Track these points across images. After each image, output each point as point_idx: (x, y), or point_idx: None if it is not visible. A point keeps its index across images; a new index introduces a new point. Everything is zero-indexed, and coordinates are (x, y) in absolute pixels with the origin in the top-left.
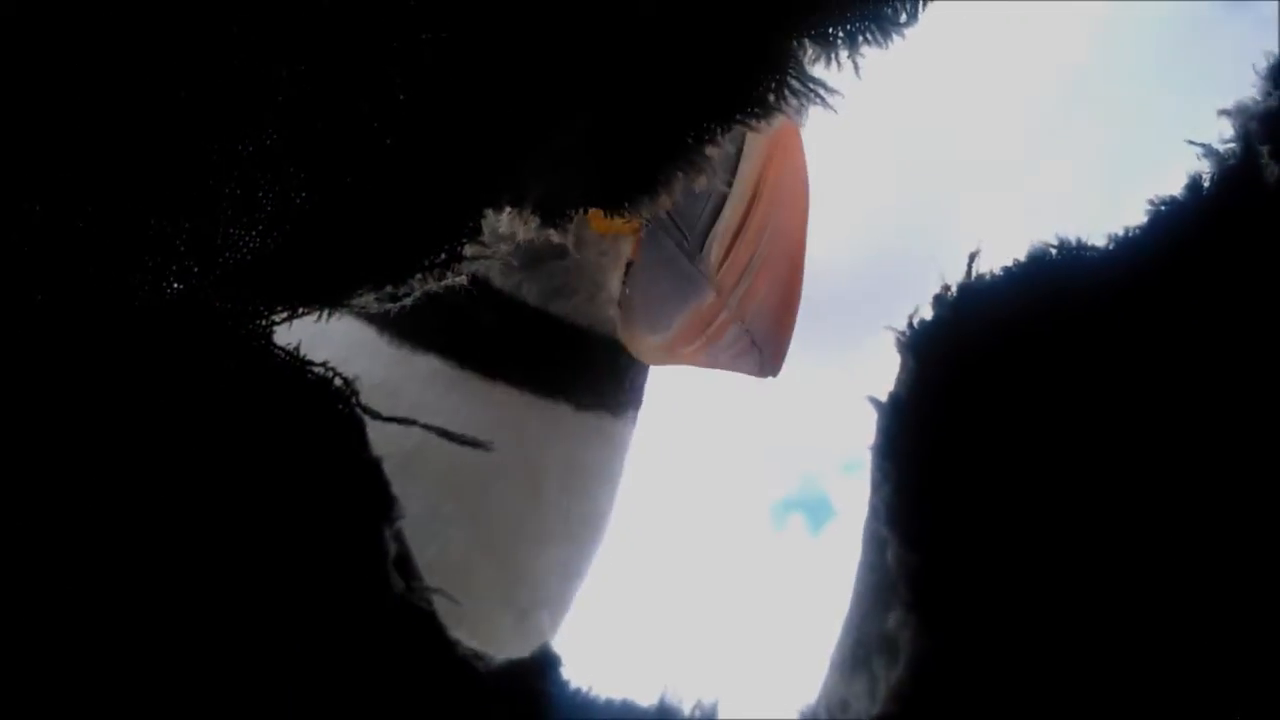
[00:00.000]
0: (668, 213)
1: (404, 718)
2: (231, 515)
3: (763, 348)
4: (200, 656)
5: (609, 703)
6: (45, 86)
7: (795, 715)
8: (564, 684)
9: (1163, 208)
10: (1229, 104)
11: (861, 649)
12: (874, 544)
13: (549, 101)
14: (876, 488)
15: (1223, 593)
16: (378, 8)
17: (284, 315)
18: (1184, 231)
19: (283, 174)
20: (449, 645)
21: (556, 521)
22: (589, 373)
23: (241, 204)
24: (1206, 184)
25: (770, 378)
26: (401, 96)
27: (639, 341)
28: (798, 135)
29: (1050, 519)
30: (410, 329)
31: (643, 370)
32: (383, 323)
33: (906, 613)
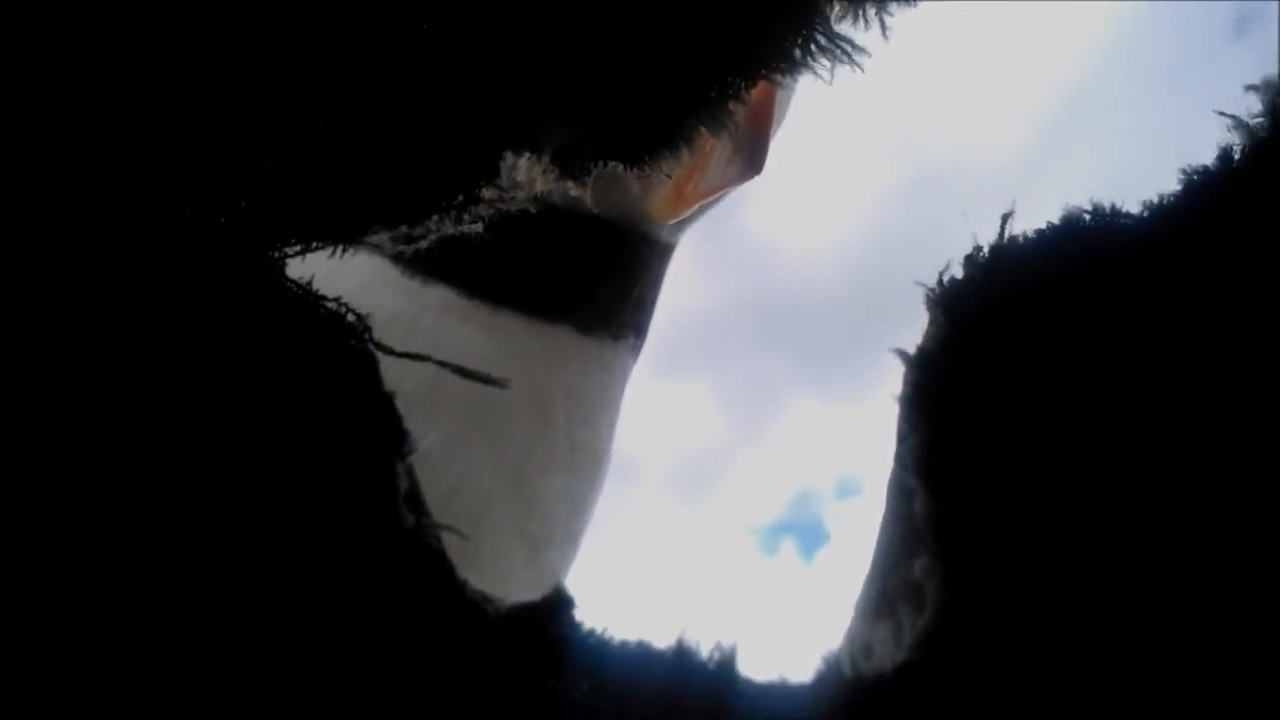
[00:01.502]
0: None
1: (413, 657)
2: (245, 447)
3: (742, 149)
4: (214, 584)
5: (624, 645)
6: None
7: (819, 661)
8: (577, 626)
9: (1195, 177)
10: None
11: (887, 596)
12: (900, 494)
13: (570, 51)
14: (904, 438)
15: (1243, 544)
16: None
17: (299, 249)
18: (1216, 199)
19: (301, 111)
20: (459, 586)
21: (563, 450)
22: (594, 292)
23: (259, 138)
24: (1237, 155)
25: (755, 175)
26: (425, 39)
27: (658, 200)
28: None
29: (1074, 472)
30: (421, 260)
31: (651, 291)
32: (396, 255)
33: (933, 560)
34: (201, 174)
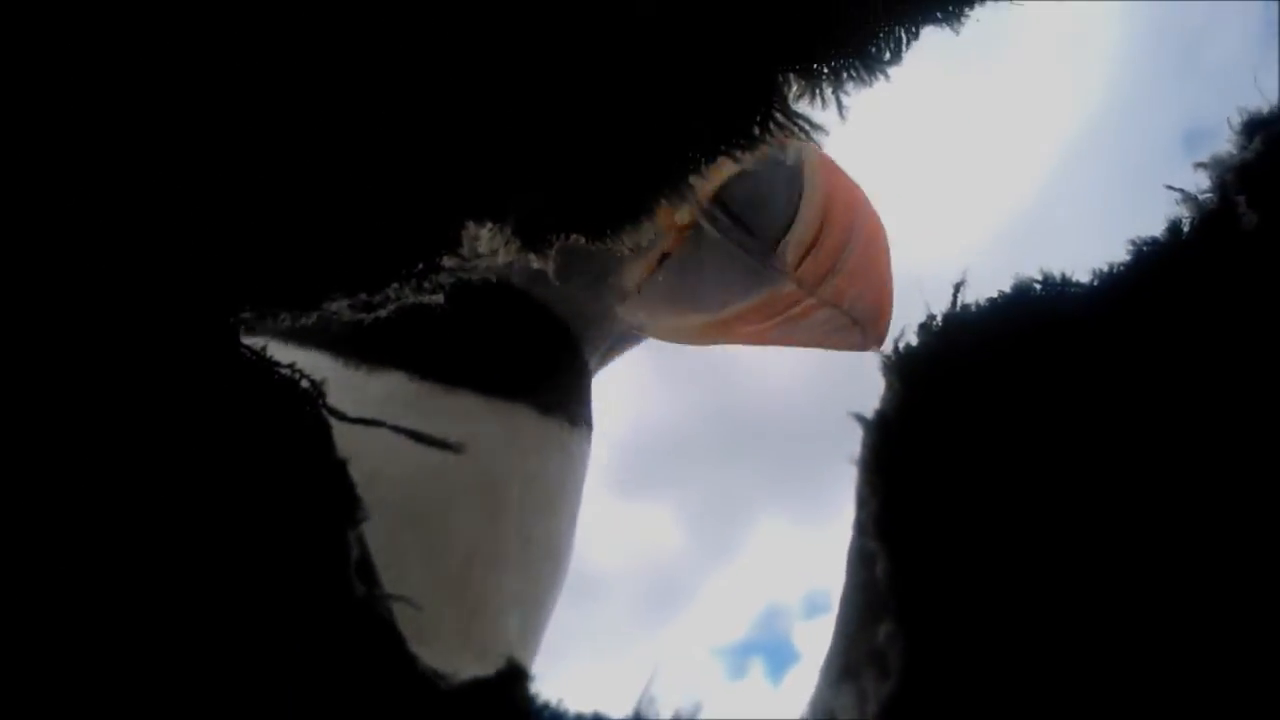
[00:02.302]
0: (730, 217)
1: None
2: (191, 512)
3: (866, 325)
4: (157, 651)
5: (579, 717)
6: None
7: None
8: (532, 699)
9: (1145, 248)
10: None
11: (850, 664)
12: (861, 560)
13: (534, 122)
14: (864, 503)
15: (1202, 603)
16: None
17: (254, 315)
18: (1165, 270)
19: (259, 172)
20: (409, 658)
21: (514, 545)
22: (554, 372)
23: (212, 198)
24: (1185, 228)
25: (875, 349)
26: (387, 105)
27: (674, 320)
28: (843, 172)
29: (1035, 533)
30: (368, 347)
31: (590, 393)
32: (338, 346)
33: (897, 625)
34: (156, 233)
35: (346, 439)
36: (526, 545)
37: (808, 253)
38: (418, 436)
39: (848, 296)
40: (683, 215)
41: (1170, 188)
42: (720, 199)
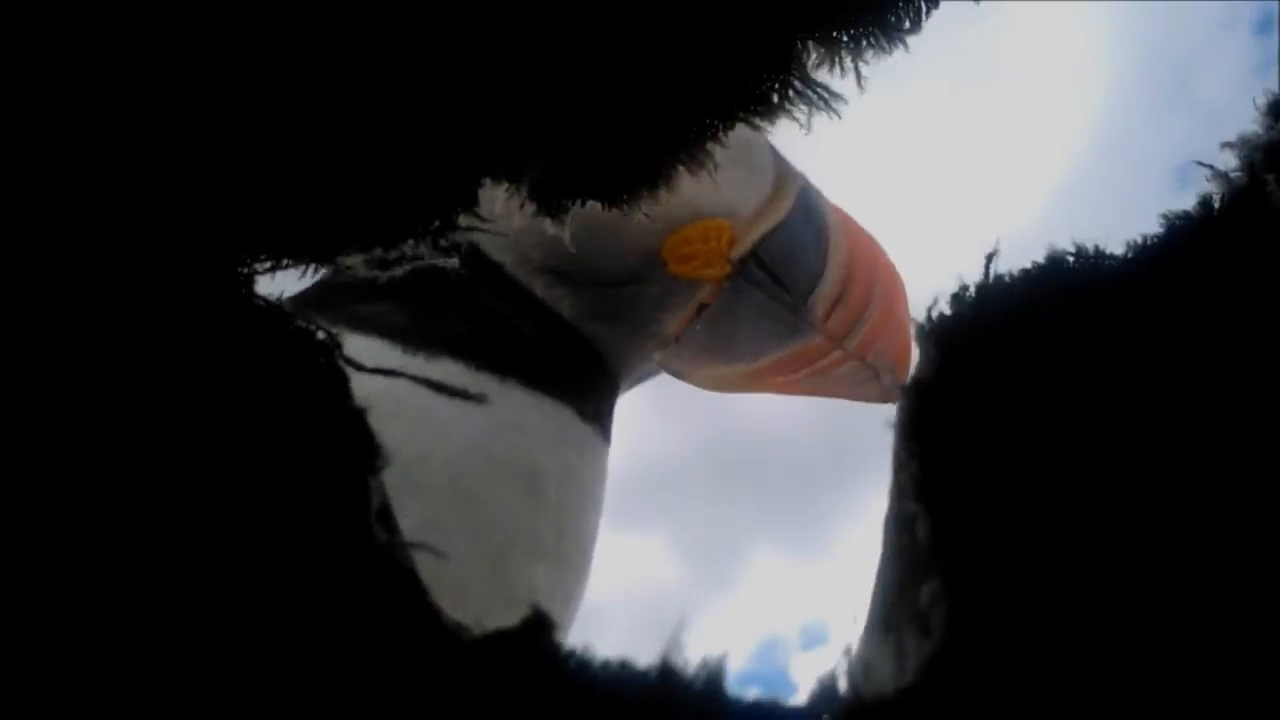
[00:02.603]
0: (765, 271)
1: (385, 677)
2: (209, 463)
3: (888, 377)
4: (181, 598)
5: (606, 665)
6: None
7: (814, 681)
8: (557, 647)
9: (1178, 221)
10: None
11: (891, 621)
12: (901, 523)
13: (551, 82)
14: (902, 466)
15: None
16: None
17: (267, 266)
18: (1199, 243)
19: (272, 122)
20: (433, 609)
21: (551, 537)
22: (594, 392)
23: (228, 148)
24: (1216, 204)
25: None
26: (402, 58)
27: (709, 370)
28: (869, 234)
29: (1074, 497)
30: (426, 338)
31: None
32: (398, 335)
33: (942, 586)
34: (166, 185)
35: (396, 422)
36: (561, 539)
37: (834, 307)
38: (438, 387)
39: (872, 350)
40: (721, 269)
41: (1200, 164)
42: (757, 254)
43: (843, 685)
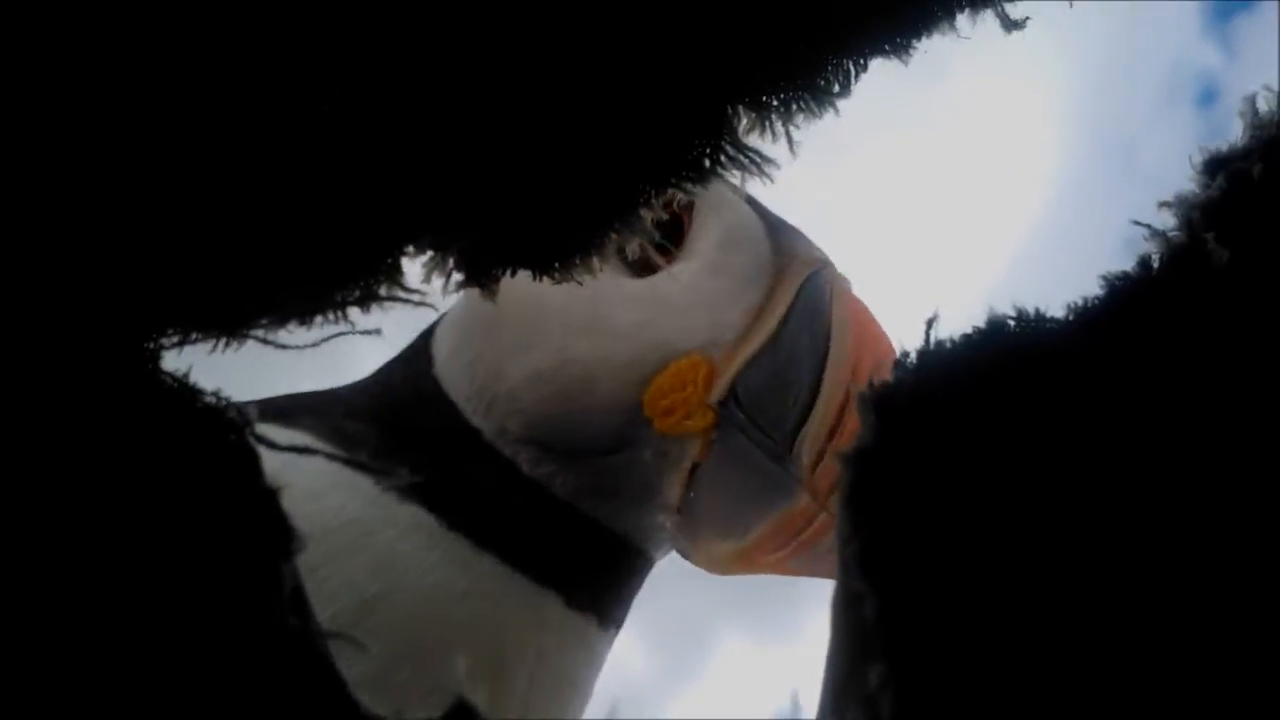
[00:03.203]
0: (746, 414)
1: None
2: (109, 546)
3: None
4: (80, 690)
5: None
6: None
7: None
8: None
9: (1117, 282)
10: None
11: (842, 703)
12: (847, 602)
13: (479, 147)
14: (846, 541)
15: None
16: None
17: (175, 339)
18: (1140, 303)
19: (178, 184)
20: (349, 700)
21: (515, 715)
22: (596, 577)
23: (127, 211)
24: (1156, 264)
25: None
26: (319, 121)
27: (706, 549)
28: (881, 333)
29: (1020, 567)
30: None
31: (637, 590)
32: (364, 466)
33: (887, 667)
34: (67, 252)
35: (358, 555)
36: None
37: (825, 449)
38: (362, 466)
39: None
40: (704, 418)
41: (1137, 223)
42: (736, 390)
43: None
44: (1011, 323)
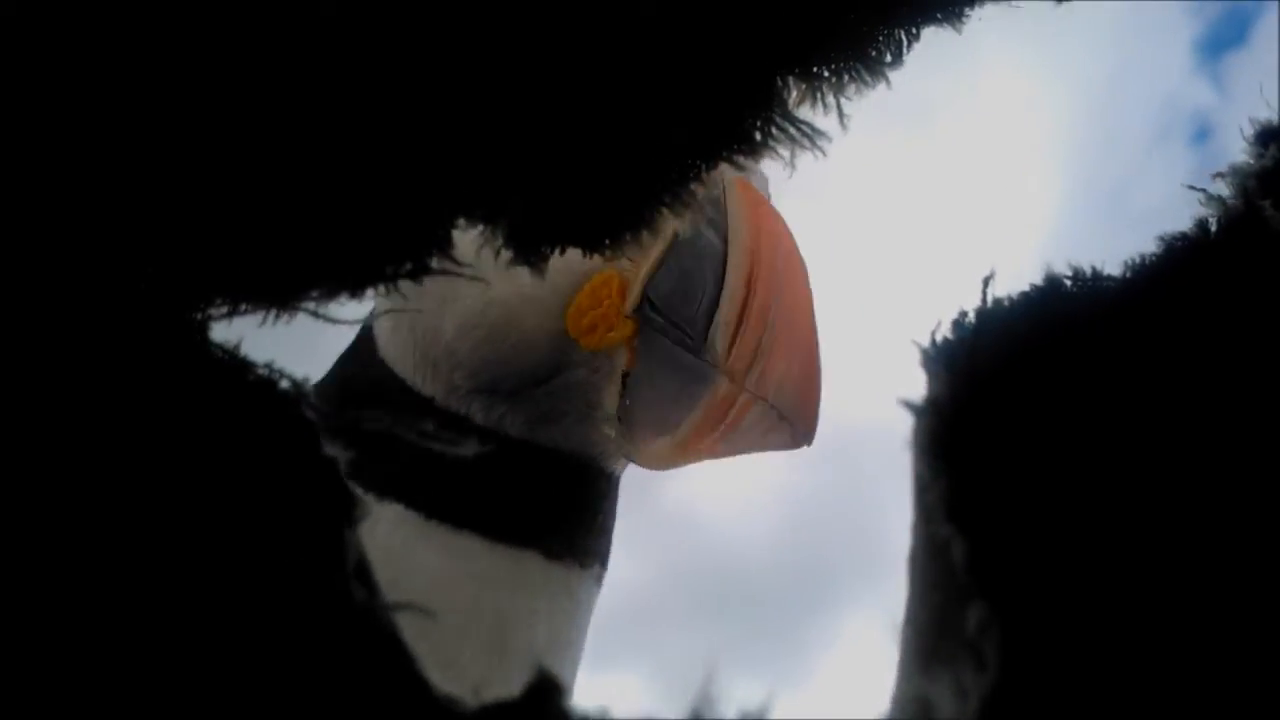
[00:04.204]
0: (662, 315)
1: None
2: (168, 523)
3: (793, 419)
4: (145, 679)
5: None
6: None
7: None
8: (569, 712)
9: (1176, 243)
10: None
11: (942, 651)
12: (934, 550)
13: (529, 121)
14: (927, 488)
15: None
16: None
17: (225, 311)
18: (1198, 264)
19: (227, 152)
20: (420, 677)
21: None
22: (565, 513)
23: (178, 181)
24: (1212, 227)
25: (805, 446)
26: (375, 92)
27: (647, 448)
28: (776, 214)
29: (1101, 508)
30: (374, 481)
31: (610, 519)
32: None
33: (989, 613)
34: (112, 220)
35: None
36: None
37: (736, 334)
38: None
39: (772, 384)
40: (625, 328)
41: (1192, 188)
42: (648, 295)
43: None
44: (1068, 281)
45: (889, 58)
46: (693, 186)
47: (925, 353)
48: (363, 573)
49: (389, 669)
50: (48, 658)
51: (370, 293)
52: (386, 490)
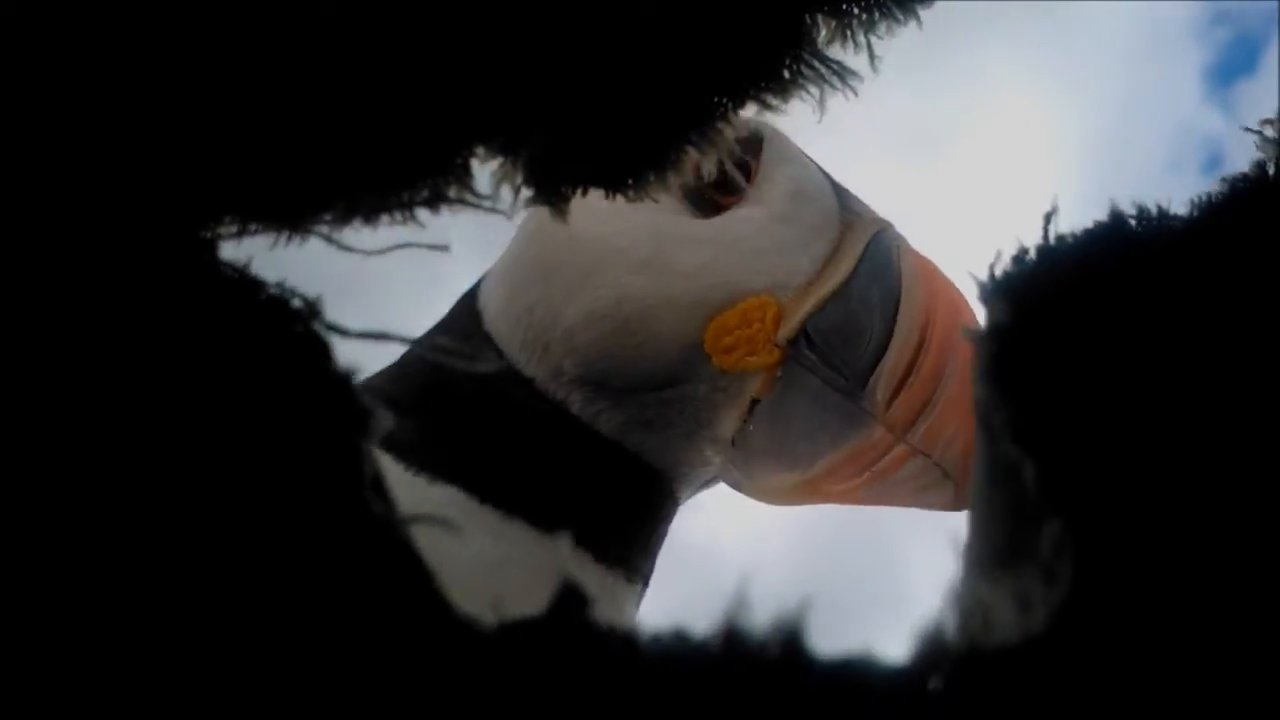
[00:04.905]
0: (817, 352)
1: (394, 672)
2: (180, 441)
3: (958, 479)
4: (168, 592)
5: (658, 638)
6: None
7: (917, 631)
8: (596, 624)
9: (1239, 183)
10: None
11: (1007, 560)
12: (1002, 475)
13: (554, 51)
14: (995, 411)
15: None
16: None
17: (233, 230)
18: (1259, 204)
19: (241, 73)
20: (440, 595)
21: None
22: (628, 523)
23: (186, 93)
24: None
25: (960, 510)
26: (391, 8)
27: (766, 479)
28: (952, 283)
29: (1177, 434)
30: (433, 462)
31: (660, 544)
32: (402, 453)
33: (1064, 529)
34: (120, 142)
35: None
36: None
37: (900, 387)
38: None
39: (939, 442)
40: (770, 355)
41: (1248, 129)
42: (806, 331)
43: (956, 635)
44: (1132, 219)
45: None
46: (720, 126)
47: (984, 284)
48: (379, 486)
49: (408, 584)
50: (62, 564)
51: (385, 220)
52: (444, 472)
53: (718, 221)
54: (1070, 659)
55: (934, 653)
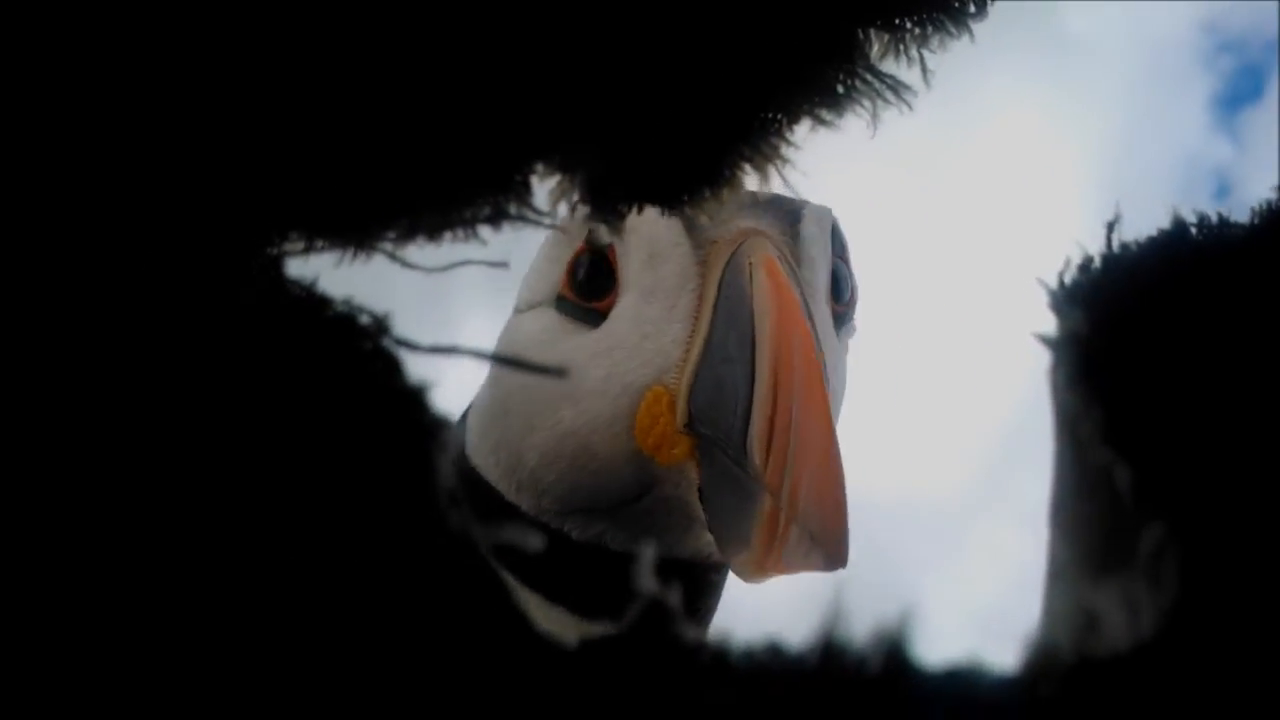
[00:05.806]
0: (706, 429)
1: (475, 687)
2: (254, 460)
3: (821, 541)
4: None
5: (748, 653)
6: None
7: (1023, 642)
8: (683, 638)
9: None
10: None
11: (1111, 563)
12: (1094, 474)
13: (611, 69)
14: (1079, 417)
15: None
16: None
17: (301, 247)
18: None
19: (304, 90)
20: (520, 610)
21: None
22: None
23: (252, 121)
24: None
25: (839, 569)
26: (453, 28)
27: (733, 563)
28: (795, 301)
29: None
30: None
31: (715, 606)
32: None
33: (1167, 531)
34: (189, 161)
35: None
36: None
37: (769, 445)
38: (522, 365)
39: (799, 502)
40: (684, 444)
41: None
42: (691, 411)
43: (1065, 644)
44: (1193, 227)
45: (973, 8)
46: (774, 140)
47: (1055, 293)
48: (456, 499)
49: (490, 599)
50: (147, 590)
51: (448, 238)
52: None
53: (606, 326)
54: (1184, 662)
55: (1044, 662)
